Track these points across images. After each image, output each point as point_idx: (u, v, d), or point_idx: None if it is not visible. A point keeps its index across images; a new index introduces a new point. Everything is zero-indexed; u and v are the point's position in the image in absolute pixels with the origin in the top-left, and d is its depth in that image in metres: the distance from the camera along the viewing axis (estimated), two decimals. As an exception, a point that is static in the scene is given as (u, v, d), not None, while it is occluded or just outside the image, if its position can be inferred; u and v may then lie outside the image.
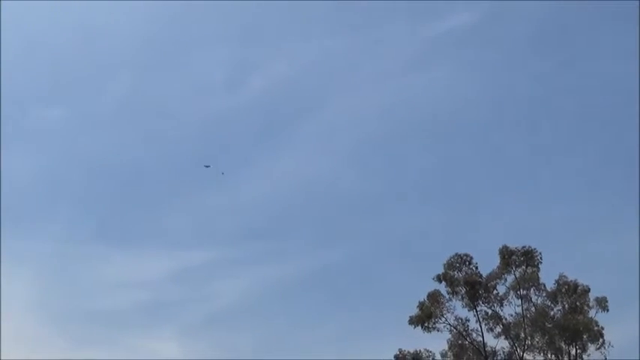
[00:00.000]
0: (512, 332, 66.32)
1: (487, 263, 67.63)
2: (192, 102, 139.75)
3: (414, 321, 65.88)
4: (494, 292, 66.99)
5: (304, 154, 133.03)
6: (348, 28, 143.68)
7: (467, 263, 67.09)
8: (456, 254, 67.30)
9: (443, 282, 66.83)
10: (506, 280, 67.02)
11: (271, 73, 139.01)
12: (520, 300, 66.51)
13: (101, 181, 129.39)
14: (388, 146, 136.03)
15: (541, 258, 66.27)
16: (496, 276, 66.82)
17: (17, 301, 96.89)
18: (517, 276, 66.56)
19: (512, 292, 66.85)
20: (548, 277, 66.91)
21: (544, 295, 66.83)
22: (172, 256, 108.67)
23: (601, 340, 63.56)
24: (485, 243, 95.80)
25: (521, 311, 66.21)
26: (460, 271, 66.90)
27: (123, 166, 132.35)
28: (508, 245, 66.78)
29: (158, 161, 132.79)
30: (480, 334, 66.40)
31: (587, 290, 65.12)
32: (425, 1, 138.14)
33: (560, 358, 65.16)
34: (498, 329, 66.43)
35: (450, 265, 66.89)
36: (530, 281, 66.49)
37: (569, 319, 64.25)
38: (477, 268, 67.26)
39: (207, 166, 79.40)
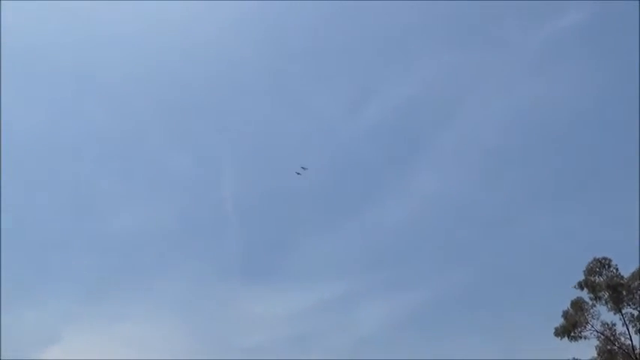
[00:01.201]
0: (661, 332, 64.84)
1: (628, 264, 66.55)
2: (318, 133, 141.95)
3: (560, 332, 65.40)
4: (639, 292, 65.86)
5: (436, 173, 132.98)
6: (463, 41, 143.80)
7: (607, 267, 66.04)
8: (595, 259, 66.33)
9: (585, 289, 66.21)
10: (649, 278, 65.66)
11: (393, 95, 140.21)
12: (666, 298, 65.06)
13: (234, 219, 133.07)
14: (519, 154, 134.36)
15: (684, 253, 64.86)
16: (639, 276, 65.57)
17: (163, 340, 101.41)
18: (661, 274, 65.09)
19: (656, 291, 65.44)
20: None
21: (690, 290, 65.08)
22: (313, 288, 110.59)
23: None
24: (622, 244, 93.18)
25: (668, 309, 64.73)
26: (601, 275, 66.03)
27: (256, 205, 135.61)
28: (648, 243, 65.58)
29: (291, 196, 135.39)
30: (628, 337, 64.96)
31: None
32: (533, 3, 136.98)
33: None
34: (646, 330, 65.14)
35: (590, 271, 65.97)
36: (674, 277, 64.94)
37: None
38: (617, 270, 66.19)
39: (304, 169, 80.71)
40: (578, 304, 66.13)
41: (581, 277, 66.59)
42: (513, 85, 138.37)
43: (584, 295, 66.28)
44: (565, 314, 66.21)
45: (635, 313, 65.26)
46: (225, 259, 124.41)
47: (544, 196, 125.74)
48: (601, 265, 66.23)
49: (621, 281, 65.49)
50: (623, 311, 65.39)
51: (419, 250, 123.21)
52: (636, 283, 65.32)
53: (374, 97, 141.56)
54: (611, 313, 65.74)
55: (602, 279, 65.88)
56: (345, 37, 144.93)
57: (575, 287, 66.56)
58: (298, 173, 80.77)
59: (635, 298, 65.42)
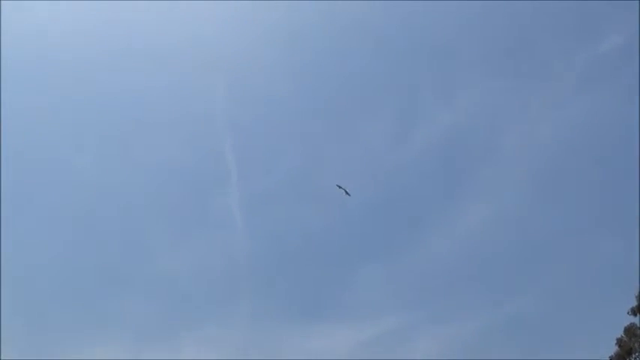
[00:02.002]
0: None
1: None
2: (362, 166, 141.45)
3: (615, 360, 64.34)
4: (695, 317, 64.23)
5: (482, 202, 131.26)
6: (505, 68, 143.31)
7: (660, 291, 64.97)
8: (648, 283, 65.46)
9: (638, 314, 64.85)
10: None
11: (437, 124, 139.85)
12: None
13: (279, 260, 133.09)
14: (566, 182, 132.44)
15: None
16: (695, 300, 64.11)
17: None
18: None
19: None
20: None
21: None
22: (362, 324, 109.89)
23: None
24: None
25: None
26: (654, 300, 64.86)
27: (303, 242, 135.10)
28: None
29: (337, 231, 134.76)
30: (685, 363, 63.60)
31: None
32: (573, 27, 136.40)
33: None
34: None
35: (642, 296, 65.01)
36: None
37: None
38: (672, 293, 64.96)
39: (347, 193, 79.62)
40: (631, 331, 64.78)
41: (634, 303, 65.14)
42: (557, 111, 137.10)
43: (638, 321, 64.85)
44: (619, 341, 64.86)
45: (692, 338, 63.74)
46: (277, 298, 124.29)
47: (593, 222, 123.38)
48: (654, 289, 64.89)
49: (676, 305, 64.06)
50: (680, 337, 63.91)
51: (469, 281, 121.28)
52: (692, 308, 63.89)
53: (417, 125, 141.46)
54: (667, 339, 64.29)
55: (655, 303, 64.51)
56: (387, 64, 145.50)
57: (628, 313, 65.19)
58: (339, 187, 79.76)
59: (692, 324, 63.94)
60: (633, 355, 63.71)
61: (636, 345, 64.08)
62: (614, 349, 65.12)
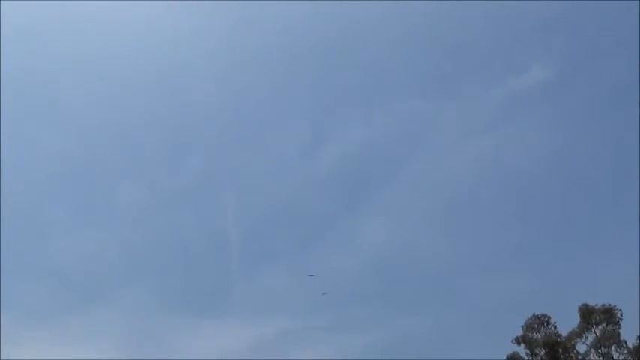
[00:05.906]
0: (594, 392, 64.62)
1: (567, 322, 66.33)
2: (269, 174, 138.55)
3: (494, 386, 64.81)
4: (574, 351, 65.44)
5: (385, 222, 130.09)
6: (425, 90, 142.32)
7: (545, 324, 65.84)
8: (534, 315, 66.11)
9: (522, 344, 65.60)
10: (586, 338, 65.44)
11: (347, 140, 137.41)
12: (601, 358, 64.79)
13: (179, 254, 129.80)
14: (471, 208, 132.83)
15: (621, 315, 64.66)
16: (576, 335, 65.32)
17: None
18: (597, 334, 64.95)
19: (592, 351, 65.16)
20: (629, 334, 64.97)
21: (625, 352, 64.86)
22: (253, 324, 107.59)
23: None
24: (564, 302, 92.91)
25: (602, 370, 64.59)
26: (539, 332, 65.69)
27: (202, 239, 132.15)
28: (588, 303, 65.24)
29: (238, 232, 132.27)
30: (562, 395, 64.83)
31: (670, 346, 63.55)
32: (498, 58, 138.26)
33: (645, 417, 63.34)
34: (580, 389, 64.81)
35: (528, 327, 65.69)
36: (611, 339, 64.84)
37: (653, 376, 62.61)
38: (555, 327, 66.02)
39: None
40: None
41: (520, 333, 65.81)
42: (470, 140, 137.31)
43: (521, 350, 65.83)
44: (500, 369, 65.42)
45: (570, 371, 65.00)
46: (167, 293, 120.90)
47: (491, 251, 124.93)
48: (540, 321, 66.08)
49: (558, 339, 65.31)
50: (558, 369, 65.06)
51: (362, 296, 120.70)
52: (573, 342, 65.15)
53: (328, 140, 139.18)
54: (547, 370, 65.30)
55: (539, 335, 65.51)
56: (303, 76, 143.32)
57: (512, 342, 66.01)
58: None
59: (571, 357, 65.24)
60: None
61: (517, 374, 64.94)
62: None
